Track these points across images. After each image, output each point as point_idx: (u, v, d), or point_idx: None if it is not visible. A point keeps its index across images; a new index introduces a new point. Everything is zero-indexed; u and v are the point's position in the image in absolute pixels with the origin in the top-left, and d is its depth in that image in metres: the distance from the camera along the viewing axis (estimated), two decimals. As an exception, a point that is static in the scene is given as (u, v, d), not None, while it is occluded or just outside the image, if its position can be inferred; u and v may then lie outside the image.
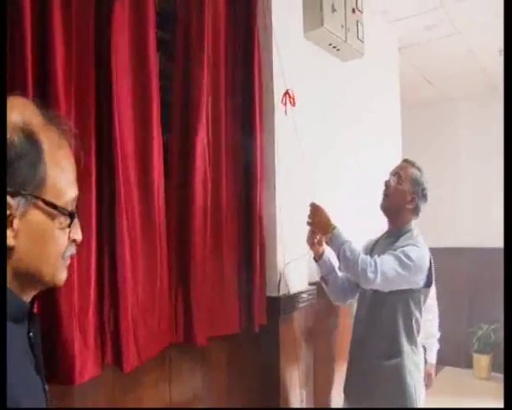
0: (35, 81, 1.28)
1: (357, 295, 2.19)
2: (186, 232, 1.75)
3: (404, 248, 1.94)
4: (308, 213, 2.01)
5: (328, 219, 1.98)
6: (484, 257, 4.88)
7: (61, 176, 0.74)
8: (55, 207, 0.73)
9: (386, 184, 2.10)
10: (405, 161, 2.17)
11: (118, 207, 1.46)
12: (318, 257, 2.11)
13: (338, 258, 1.95)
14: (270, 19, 2.16)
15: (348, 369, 2.17)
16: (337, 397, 2.49)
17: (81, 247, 1.38)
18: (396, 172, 2.10)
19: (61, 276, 0.78)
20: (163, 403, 1.76)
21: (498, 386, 4.32)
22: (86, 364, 1.40)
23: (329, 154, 2.68)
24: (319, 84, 2.58)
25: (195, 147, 1.76)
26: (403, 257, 1.91)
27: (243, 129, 2.02)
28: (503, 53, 3.87)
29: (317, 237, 2.06)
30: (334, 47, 2.65)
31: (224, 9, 1.96)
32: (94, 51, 1.45)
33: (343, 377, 2.21)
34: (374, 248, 2.16)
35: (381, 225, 2.22)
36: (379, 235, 2.25)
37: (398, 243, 2.01)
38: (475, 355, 4.93)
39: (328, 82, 2.71)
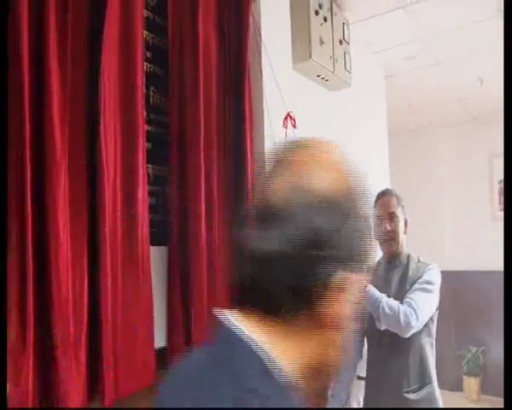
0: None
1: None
2: (186, 267, 1.79)
3: (425, 277, 1.98)
4: None
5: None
6: (467, 280, 4.93)
7: None
8: None
9: (385, 230, 2.07)
10: (384, 194, 2.14)
11: (101, 238, 1.48)
12: None
13: (376, 315, 1.94)
14: (260, 49, 2.23)
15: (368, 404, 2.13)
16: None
17: (75, 283, 1.41)
18: (391, 213, 2.08)
19: None
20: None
21: (488, 408, 4.36)
22: (78, 395, 1.41)
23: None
24: (308, 113, 2.63)
25: (193, 186, 1.80)
26: (427, 286, 1.96)
27: (234, 159, 2.06)
28: (481, 82, 4.02)
29: None
30: (323, 78, 2.72)
31: (214, 42, 2.02)
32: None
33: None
34: (375, 277, 2.14)
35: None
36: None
37: (411, 276, 2.02)
38: (465, 378, 4.94)
39: (317, 111, 2.77)
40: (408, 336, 1.91)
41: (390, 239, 2.08)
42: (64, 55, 1.43)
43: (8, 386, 1.23)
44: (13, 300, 1.28)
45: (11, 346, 1.26)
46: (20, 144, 1.30)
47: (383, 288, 2.04)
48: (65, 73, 1.43)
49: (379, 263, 2.21)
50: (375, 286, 2.06)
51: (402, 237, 2.09)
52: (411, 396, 1.96)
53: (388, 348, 2.01)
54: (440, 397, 2.01)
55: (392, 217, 2.07)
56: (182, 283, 1.81)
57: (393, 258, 2.10)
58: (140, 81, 1.66)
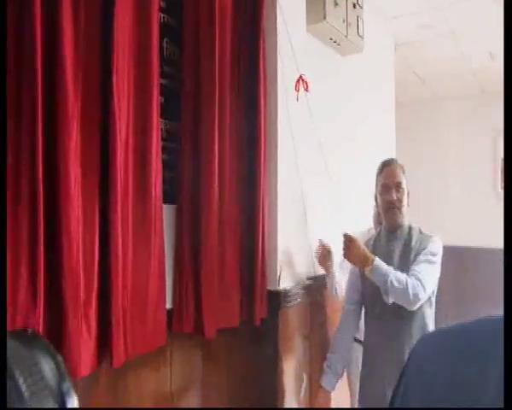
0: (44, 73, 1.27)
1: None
2: (197, 230, 1.77)
3: (429, 249, 1.97)
4: (343, 245, 1.99)
5: (365, 251, 1.95)
6: (468, 256, 4.94)
7: None
8: None
9: (389, 199, 2.03)
10: (388, 163, 2.11)
11: (113, 204, 1.45)
12: (328, 273, 2.33)
13: (384, 289, 1.91)
14: (275, 9, 2.15)
15: (365, 386, 2.10)
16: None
17: (86, 241, 1.38)
18: (397, 183, 2.04)
19: None
20: (163, 392, 1.75)
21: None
22: (89, 357, 1.39)
23: (329, 149, 2.68)
24: (319, 76, 2.57)
25: (207, 142, 1.76)
26: (431, 257, 1.95)
27: (247, 123, 2.01)
28: (493, 56, 3.95)
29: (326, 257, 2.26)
30: (335, 42, 2.65)
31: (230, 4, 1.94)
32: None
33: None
34: (375, 248, 2.11)
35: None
36: (371, 233, 2.25)
37: (414, 246, 2.01)
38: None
39: (328, 75, 2.70)
40: (415, 308, 1.91)
41: (395, 208, 2.05)
42: (77, 5, 1.36)
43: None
44: (23, 259, 1.24)
45: (21, 304, 1.23)
46: (32, 98, 1.24)
47: (385, 258, 2.01)
48: (78, 24, 1.36)
49: (379, 233, 2.18)
50: (377, 255, 2.03)
51: (405, 208, 2.06)
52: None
53: (390, 318, 1.99)
54: None
55: (398, 186, 2.04)
56: (191, 244, 1.77)
57: (396, 228, 2.07)
58: (155, 32, 1.59)
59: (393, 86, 3.73)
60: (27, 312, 1.24)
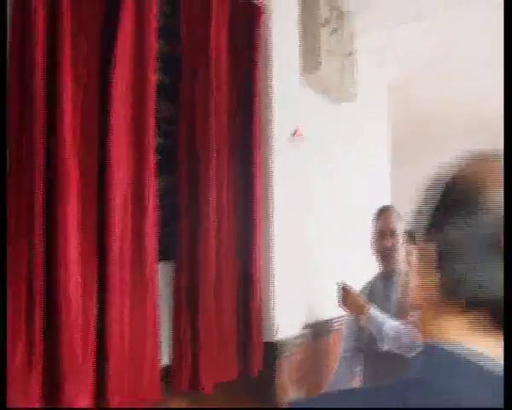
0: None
1: None
2: (194, 286, 1.77)
3: None
4: (339, 295, 2.03)
5: (361, 300, 1.99)
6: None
7: None
8: None
9: (384, 246, 2.08)
10: (386, 209, 2.16)
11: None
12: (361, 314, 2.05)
13: (379, 338, 1.92)
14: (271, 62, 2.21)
15: None
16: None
17: (84, 300, 1.38)
18: (392, 230, 2.08)
19: None
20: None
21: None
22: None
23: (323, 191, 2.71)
24: (313, 123, 2.61)
25: (204, 197, 1.79)
26: None
27: (243, 176, 2.04)
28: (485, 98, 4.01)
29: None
30: (330, 91, 2.70)
31: (225, 51, 1.98)
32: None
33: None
34: (372, 294, 2.15)
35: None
36: (367, 282, 2.26)
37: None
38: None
39: (322, 121, 2.75)
40: (412, 354, 1.90)
41: (390, 254, 2.07)
42: (77, 66, 1.40)
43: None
44: (20, 320, 1.25)
45: (17, 367, 1.23)
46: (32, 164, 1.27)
47: (383, 304, 2.03)
48: (78, 86, 1.41)
49: (376, 279, 2.19)
50: (374, 303, 2.05)
51: (400, 254, 2.08)
52: None
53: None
54: None
55: (393, 233, 2.06)
56: (188, 300, 1.78)
57: (392, 274, 2.09)
58: (151, 93, 1.62)
59: (389, 126, 3.79)
60: (24, 376, 1.24)
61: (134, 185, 1.57)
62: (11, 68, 1.28)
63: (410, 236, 2.23)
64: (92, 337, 1.41)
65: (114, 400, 1.45)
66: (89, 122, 1.45)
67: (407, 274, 2.07)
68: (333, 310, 2.33)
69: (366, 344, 2.07)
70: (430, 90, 4.00)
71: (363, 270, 2.40)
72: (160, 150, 1.75)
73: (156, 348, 1.61)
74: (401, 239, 2.09)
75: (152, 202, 1.61)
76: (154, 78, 1.65)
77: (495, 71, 2.80)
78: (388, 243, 2.08)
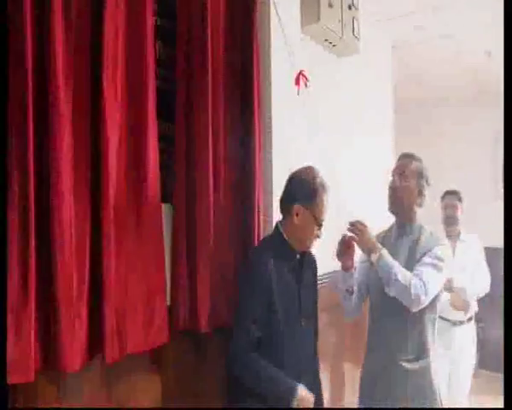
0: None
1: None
2: (194, 229, 1.78)
3: (435, 252, 1.95)
4: (354, 229, 1.96)
5: (374, 239, 1.95)
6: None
7: None
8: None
9: (393, 186, 2.06)
10: (405, 156, 2.11)
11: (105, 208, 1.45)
12: (347, 269, 2.07)
13: (387, 279, 1.89)
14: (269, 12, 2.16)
15: (366, 374, 2.13)
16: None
17: (78, 239, 1.38)
18: (400, 172, 2.06)
19: None
20: (155, 392, 1.75)
21: (484, 382, 4.40)
22: (81, 353, 1.40)
23: (324, 149, 2.68)
24: (316, 78, 2.57)
25: (202, 141, 1.79)
26: (438, 262, 1.93)
27: (242, 124, 2.01)
28: (489, 55, 3.95)
29: (350, 250, 2.02)
30: (331, 42, 2.66)
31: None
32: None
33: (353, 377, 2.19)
34: (384, 243, 2.08)
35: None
36: (381, 231, 2.22)
37: (422, 245, 1.99)
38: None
39: (324, 77, 2.71)
40: (416, 310, 1.89)
41: (396, 197, 2.05)
42: (68, 10, 1.37)
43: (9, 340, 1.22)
44: (15, 253, 1.25)
45: (13, 299, 1.24)
46: (23, 101, 1.26)
47: (392, 252, 2.00)
48: (69, 28, 1.38)
49: (390, 228, 2.17)
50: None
51: (412, 203, 2.05)
52: (407, 365, 1.96)
53: (390, 315, 1.99)
54: (437, 373, 2.00)
55: (400, 175, 2.04)
56: (187, 242, 1.78)
57: (405, 224, 2.07)
58: (150, 33, 1.59)
59: (391, 88, 3.74)
60: (18, 309, 1.25)
61: (131, 124, 1.55)
62: None
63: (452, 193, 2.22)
64: (86, 274, 1.42)
65: (112, 341, 1.46)
66: (81, 61, 1.43)
67: (421, 227, 2.05)
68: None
69: (374, 285, 2.06)
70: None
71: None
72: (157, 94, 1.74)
73: (161, 288, 1.63)
74: (413, 188, 2.04)
75: (152, 142, 1.60)
76: (151, 20, 1.62)
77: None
78: (395, 183, 2.05)
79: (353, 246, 2.02)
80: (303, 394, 1.59)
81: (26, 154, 1.26)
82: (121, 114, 1.53)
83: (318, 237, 1.75)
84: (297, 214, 1.70)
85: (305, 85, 2.19)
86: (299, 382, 1.63)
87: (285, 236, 1.74)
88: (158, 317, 1.62)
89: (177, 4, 1.81)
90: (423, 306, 1.89)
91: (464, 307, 3.10)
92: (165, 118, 1.82)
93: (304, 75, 2.17)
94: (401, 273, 1.87)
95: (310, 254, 1.88)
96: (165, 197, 1.78)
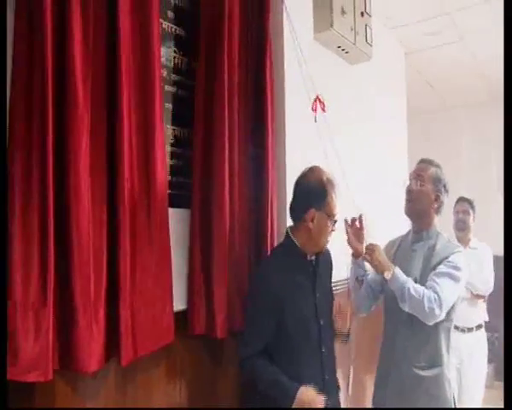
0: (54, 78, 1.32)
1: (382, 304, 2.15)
2: (210, 235, 1.81)
3: (451, 260, 1.92)
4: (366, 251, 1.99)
5: (386, 258, 1.95)
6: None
7: None
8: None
9: (409, 189, 2.05)
10: (423, 161, 2.10)
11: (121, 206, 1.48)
12: (358, 255, 2.05)
13: (401, 297, 1.89)
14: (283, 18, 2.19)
15: (380, 379, 2.11)
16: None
17: (95, 241, 1.41)
18: (417, 175, 2.04)
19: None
20: (172, 396, 1.76)
21: (501, 394, 4.31)
22: (98, 353, 1.41)
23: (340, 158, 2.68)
24: (329, 86, 2.59)
25: (218, 147, 1.83)
26: (455, 272, 1.90)
27: (256, 131, 2.05)
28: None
29: (360, 236, 2.02)
30: (343, 49, 2.68)
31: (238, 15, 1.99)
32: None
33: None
34: (398, 252, 2.11)
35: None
36: (398, 236, 2.21)
37: (438, 251, 1.97)
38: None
39: (337, 85, 2.72)
40: (431, 323, 1.88)
41: (407, 200, 2.05)
42: (87, 20, 1.41)
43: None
44: (34, 257, 1.27)
45: (32, 301, 1.26)
46: (43, 101, 1.28)
47: (407, 258, 2.01)
48: (87, 34, 1.40)
49: (407, 234, 2.15)
50: (401, 256, 2.04)
51: (428, 208, 2.02)
52: (420, 372, 1.94)
53: (405, 321, 1.97)
54: (450, 382, 1.98)
55: (417, 178, 2.03)
56: (203, 247, 1.81)
57: (421, 229, 2.05)
58: (156, 38, 1.61)
59: (405, 95, 3.74)
60: (38, 309, 1.27)
61: (142, 130, 1.58)
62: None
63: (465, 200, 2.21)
64: (104, 276, 1.44)
65: (127, 342, 1.48)
66: (98, 66, 1.46)
67: (438, 233, 2.03)
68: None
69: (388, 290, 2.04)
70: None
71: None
72: (173, 100, 1.78)
73: (168, 289, 1.64)
74: (429, 192, 2.01)
75: (160, 149, 1.62)
76: (157, 27, 1.65)
77: None
78: (411, 187, 2.03)
79: (363, 230, 2.01)
80: (303, 397, 1.59)
81: (45, 154, 1.28)
82: (133, 117, 1.56)
83: (331, 232, 1.76)
84: (312, 220, 1.69)
85: (323, 110, 2.19)
86: (316, 381, 1.65)
87: (297, 242, 1.73)
88: (165, 318, 1.63)
89: (200, 20, 1.86)
90: (440, 319, 1.87)
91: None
92: (183, 124, 1.86)
93: (320, 100, 2.17)
94: (414, 288, 1.86)
95: (326, 252, 1.89)
96: (184, 202, 1.82)
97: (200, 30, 1.85)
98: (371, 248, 1.97)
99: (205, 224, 1.81)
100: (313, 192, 1.69)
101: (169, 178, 1.79)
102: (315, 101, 2.19)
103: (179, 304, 1.74)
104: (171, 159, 1.82)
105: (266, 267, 1.77)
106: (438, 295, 1.83)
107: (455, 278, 1.90)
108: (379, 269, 1.94)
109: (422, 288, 1.87)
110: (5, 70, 1.24)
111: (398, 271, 1.91)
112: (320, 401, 1.60)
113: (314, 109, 2.20)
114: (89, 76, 1.41)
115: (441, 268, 1.91)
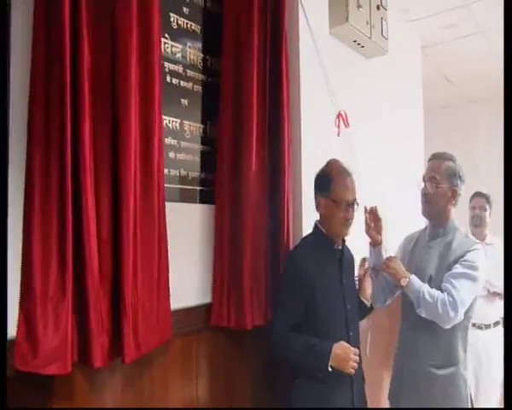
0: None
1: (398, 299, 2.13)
2: (238, 230, 1.88)
3: (468, 259, 1.88)
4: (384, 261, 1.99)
5: (402, 267, 1.95)
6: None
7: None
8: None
9: (425, 192, 1.99)
10: (434, 156, 2.04)
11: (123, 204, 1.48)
12: (376, 244, 2.04)
13: (416, 303, 1.88)
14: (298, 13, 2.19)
15: (396, 376, 2.10)
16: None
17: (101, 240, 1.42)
18: (431, 177, 1.98)
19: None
20: (188, 392, 1.78)
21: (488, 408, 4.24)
22: (105, 349, 1.42)
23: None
24: (343, 80, 2.58)
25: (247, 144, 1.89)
26: (472, 272, 1.86)
27: (272, 129, 2.05)
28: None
29: (377, 225, 2.01)
30: (359, 44, 2.65)
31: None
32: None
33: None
34: (415, 248, 2.08)
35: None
36: (415, 231, 2.17)
37: (455, 249, 1.93)
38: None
39: (353, 79, 2.71)
40: (448, 327, 1.85)
41: (424, 202, 2.01)
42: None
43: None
44: (53, 250, 1.30)
45: (52, 291, 1.29)
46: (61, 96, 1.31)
47: (424, 257, 1.99)
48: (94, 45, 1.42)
49: (424, 231, 2.12)
50: (418, 252, 2.02)
51: (446, 206, 1.98)
52: (436, 371, 1.91)
53: (421, 320, 1.93)
54: (466, 381, 1.94)
55: (431, 181, 1.98)
56: (231, 241, 1.88)
57: (439, 225, 2.01)
58: (157, 31, 1.60)
59: (421, 89, 3.70)
60: (57, 302, 1.29)
61: (142, 124, 1.56)
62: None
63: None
64: (109, 274, 1.46)
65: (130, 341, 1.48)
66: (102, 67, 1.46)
67: (456, 229, 1.99)
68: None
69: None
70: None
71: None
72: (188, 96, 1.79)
73: (166, 287, 1.64)
74: (451, 192, 1.96)
75: (158, 142, 1.60)
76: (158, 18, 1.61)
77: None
78: (425, 189, 1.99)
79: (380, 219, 2.01)
80: (338, 351, 1.69)
81: (63, 151, 1.30)
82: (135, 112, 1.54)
83: (348, 219, 1.80)
84: (320, 205, 1.82)
85: (346, 126, 2.18)
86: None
87: (322, 229, 1.84)
88: (163, 315, 1.62)
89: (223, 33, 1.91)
90: (457, 321, 1.84)
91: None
92: (204, 120, 1.90)
93: (343, 116, 2.16)
94: (428, 293, 1.84)
95: (348, 249, 1.98)
96: (209, 198, 1.89)
97: (223, 22, 1.89)
98: (390, 259, 1.97)
99: (233, 218, 1.87)
100: (319, 180, 1.84)
101: (185, 173, 1.81)
102: (337, 117, 2.19)
103: (202, 298, 1.81)
104: (187, 154, 1.83)
105: (297, 253, 1.86)
106: (453, 298, 1.80)
107: (472, 278, 1.85)
108: (395, 278, 1.93)
109: (437, 292, 1.84)
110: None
111: (413, 278, 1.90)
112: (355, 351, 1.71)
113: (337, 126, 2.21)
114: (94, 74, 1.42)
115: (457, 268, 1.88)
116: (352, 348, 1.70)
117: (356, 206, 1.80)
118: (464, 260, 1.88)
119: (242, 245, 1.86)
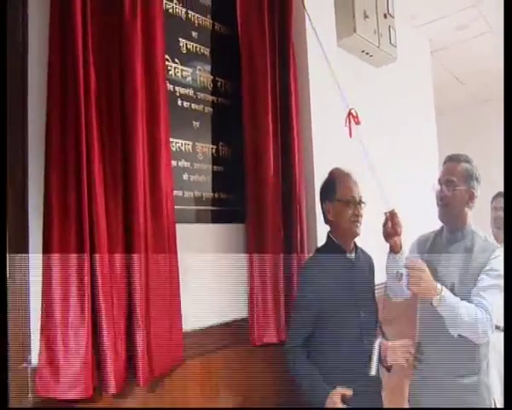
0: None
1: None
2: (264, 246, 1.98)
3: (494, 268, 1.80)
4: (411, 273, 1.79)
5: (432, 279, 1.78)
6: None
7: None
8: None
9: (441, 195, 1.92)
10: (450, 159, 1.97)
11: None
12: (396, 250, 1.91)
13: (452, 324, 1.77)
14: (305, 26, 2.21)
15: (415, 384, 2.05)
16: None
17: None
18: (447, 180, 1.92)
19: None
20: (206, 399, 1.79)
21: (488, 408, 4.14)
22: (119, 374, 1.44)
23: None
24: (354, 90, 2.57)
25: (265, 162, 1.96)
26: (500, 282, 1.77)
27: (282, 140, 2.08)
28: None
29: (397, 230, 1.90)
30: (367, 53, 2.66)
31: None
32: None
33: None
34: (431, 250, 2.01)
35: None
36: (430, 231, 2.10)
37: (477, 255, 1.85)
38: None
39: (364, 88, 2.70)
40: (482, 342, 1.81)
41: (445, 205, 1.93)
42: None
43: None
44: (72, 278, 1.34)
45: (72, 317, 1.33)
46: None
47: (443, 262, 1.91)
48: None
49: (440, 233, 2.04)
50: (435, 255, 1.95)
51: (463, 209, 1.91)
52: (457, 380, 1.85)
53: (439, 329, 1.87)
54: (489, 388, 1.89)
55: (447, 184, 1.92)
56: (263, 258, 1.95)
57: (456, 229, 1.94)
58: (161, 53, 1.63)
59: (432, 93, 3.68)
60: (77, 328, 1.33)
61: (149, 147, 1.58)
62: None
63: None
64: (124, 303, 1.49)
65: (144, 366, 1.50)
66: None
67: (474, 232, 1.92)
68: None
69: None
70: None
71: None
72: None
73: (177, 311, 1.66)
74: (469, 194, 1.90)
75: (165, 164, 1.62)
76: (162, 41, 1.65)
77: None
78: (442, 192, 1.91)
79: (399, 223, 1.89)
80: (329, 404, 1.65)
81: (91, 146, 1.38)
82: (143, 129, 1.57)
83: (358, 216, 1.79)
84: (328, 212, 1.82)
85: (356, 123, 2.17)
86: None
87: (333, 238, 1.84)
88: (175, 337, 1.63)
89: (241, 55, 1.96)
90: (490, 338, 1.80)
91: None
92: (216, 140, 1.94)
93: (353, 115, 2.15)
94: (467, 313, 1.74)
95: (363, 252, 1.95)
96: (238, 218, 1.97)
97: (239, 45, 1.95)
98: (418, 269, 1.79)
99: (259, 234, 1.94)
100: (323, 189, 1.86)
101: (199, 194, 1.85)
102: (348, 116, 2.18)
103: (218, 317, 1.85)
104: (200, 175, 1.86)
105: (308, 265, 1.87)
106: (490, 316, 1.73)
107: (500, 288, 1.77)
108: (425, 294, 1.79)
109: (474, 309, 1.75)
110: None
111: (448, 294, 1.76)
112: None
113: (347, 125, 2.18)
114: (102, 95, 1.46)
115: (486, 280, 1.80)
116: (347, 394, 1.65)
117: (363, 204, 1.80)
118: (490, 270, 1.81)
119: (265, 261, 1.94)
